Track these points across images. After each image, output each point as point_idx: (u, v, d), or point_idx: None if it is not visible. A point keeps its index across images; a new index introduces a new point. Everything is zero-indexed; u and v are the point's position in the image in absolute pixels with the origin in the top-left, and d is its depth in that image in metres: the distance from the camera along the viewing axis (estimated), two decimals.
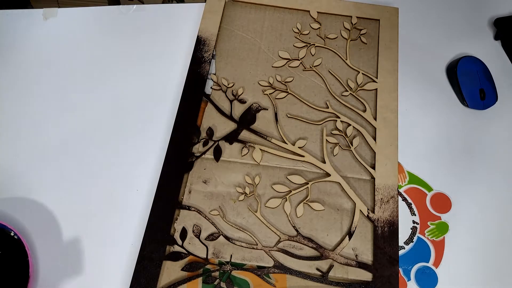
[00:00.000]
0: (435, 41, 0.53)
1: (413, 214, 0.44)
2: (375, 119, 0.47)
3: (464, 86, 0.49)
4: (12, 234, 0.40)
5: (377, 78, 0.49)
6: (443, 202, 0.44)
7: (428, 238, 0.43)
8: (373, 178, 0.44)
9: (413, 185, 0.45)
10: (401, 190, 0.45)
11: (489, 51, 0.52)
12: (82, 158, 0.46)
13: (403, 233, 0.42)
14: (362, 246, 0.41)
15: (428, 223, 0.43)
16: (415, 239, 0.43)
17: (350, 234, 0.42)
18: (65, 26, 0.52)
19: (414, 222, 0.43)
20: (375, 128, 0.46)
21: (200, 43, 0.50)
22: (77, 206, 0.43)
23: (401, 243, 0.42)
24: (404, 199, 0.44)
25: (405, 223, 0.43)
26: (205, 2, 0.53)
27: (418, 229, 0.43)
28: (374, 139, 0.46)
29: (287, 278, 0.40)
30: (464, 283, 0.41)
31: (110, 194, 0.44)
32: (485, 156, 0.47)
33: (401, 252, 0.42)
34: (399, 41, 0.50)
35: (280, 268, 0.40)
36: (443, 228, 0.43)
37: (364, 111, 0.47)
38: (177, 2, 0.56)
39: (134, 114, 0.48)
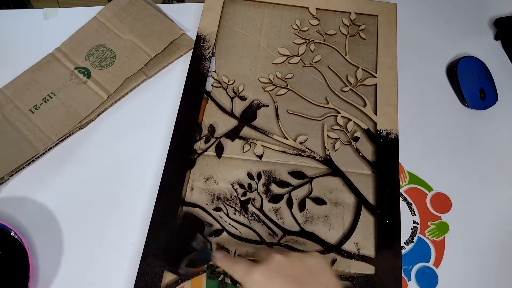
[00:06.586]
0: (435, 41, 0.54)
1: (413, 214, 0.44)
2: (376, 113, 0.47)
3: (464, 86, 0.49)
4: (12, 234, 0.39)
5: (376, 73, 0.49)
6: (443, 202, 0.45)
7: (428, 238, 0.43)
8: (374, 172, 0.44)
9: (413, 185, 0.45)
10: (401, 190, 0.45)
11: (489, 51, 0.53)
12: (82, 157, 0.46)
13: (404, 233, 0.42)
14: (365, 240, 0.41)
15: (429, 223, 0.44)
16: (415, 239, 0.43)
17: (352, 228, 0.42)
18: (65, 26, 0.52)
19: (414, 222, 0.43)
20: (376, 123, 0.46)
21: (200, 41, 0.50)
22: (77, 206, 0.43)
23: (401, 243, 0.42)
24: (404, 199, 0.44)
25: (406, 223, 0.43)
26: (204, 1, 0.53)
27: (418, 229, 0.43)
28: (375, 132, 0.46)
29: None
30: (464, 283, 0.41)
31: (110, 194, 0.44)
32: (486, 156, 0.47)
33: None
34: (399, 41, 0.51)
35: None
36: (443, 228, 0.43)
37: (365, 106, 0.47)
38: (177, 2, 0.57)
39: (135, 113, 0.48)
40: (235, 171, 0.44)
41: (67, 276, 0.40)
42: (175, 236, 0.37)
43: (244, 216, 0.42)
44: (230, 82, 0.48)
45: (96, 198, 0.44)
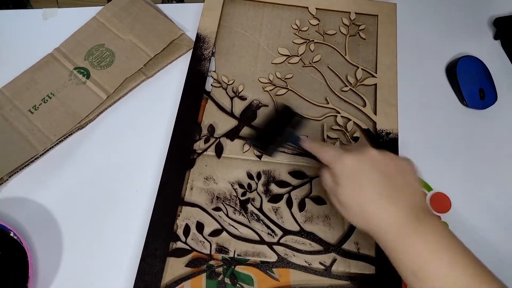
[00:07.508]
0: (434, 41, 0.53)
1: None
2: (375, 113, 0.47)
3: (464, 86, 0.49)
4: (11, 234, 0.39)
5: (376, 73, 0.49)
6: (443, 202, 0.44)
7: None
8: None
9: None
10: None
11: (489, 51, 0.53)
12: (81, 158, 0.46)
13: None
14: (365, 240, 0.41)
15: None
16: None
17: (352, 228, 0.42)
18: (65, 26, 0.52)
19: None
20: (375, 123, 0.46)
21: (199, 40, 0.50)
22: (77, 206, 0.43)
23: None
24: None
25: None
26: (204, 1, 0.53)
27: None
28: (375, 132, 0.46)
29: (291, 272, 0.40)
30: None
31: (110, 194, 0.44)
32: (485, 156, 0.47)
33: None
34: (399, 41, 0.50)
35: (284, 262, 0.40)
36: None
37: (364, 106, 0.47)
38: (177, 2, 0.56)
39: (134, 113, 0.48)
40: (235, 171, 0.44)
41: (67, 276, 0.40)
42: (270, 122, 0.42)
43: (244, 216, 0.42)
44: (230, 82, 0.48)
45: (96, 198, 0.44)
